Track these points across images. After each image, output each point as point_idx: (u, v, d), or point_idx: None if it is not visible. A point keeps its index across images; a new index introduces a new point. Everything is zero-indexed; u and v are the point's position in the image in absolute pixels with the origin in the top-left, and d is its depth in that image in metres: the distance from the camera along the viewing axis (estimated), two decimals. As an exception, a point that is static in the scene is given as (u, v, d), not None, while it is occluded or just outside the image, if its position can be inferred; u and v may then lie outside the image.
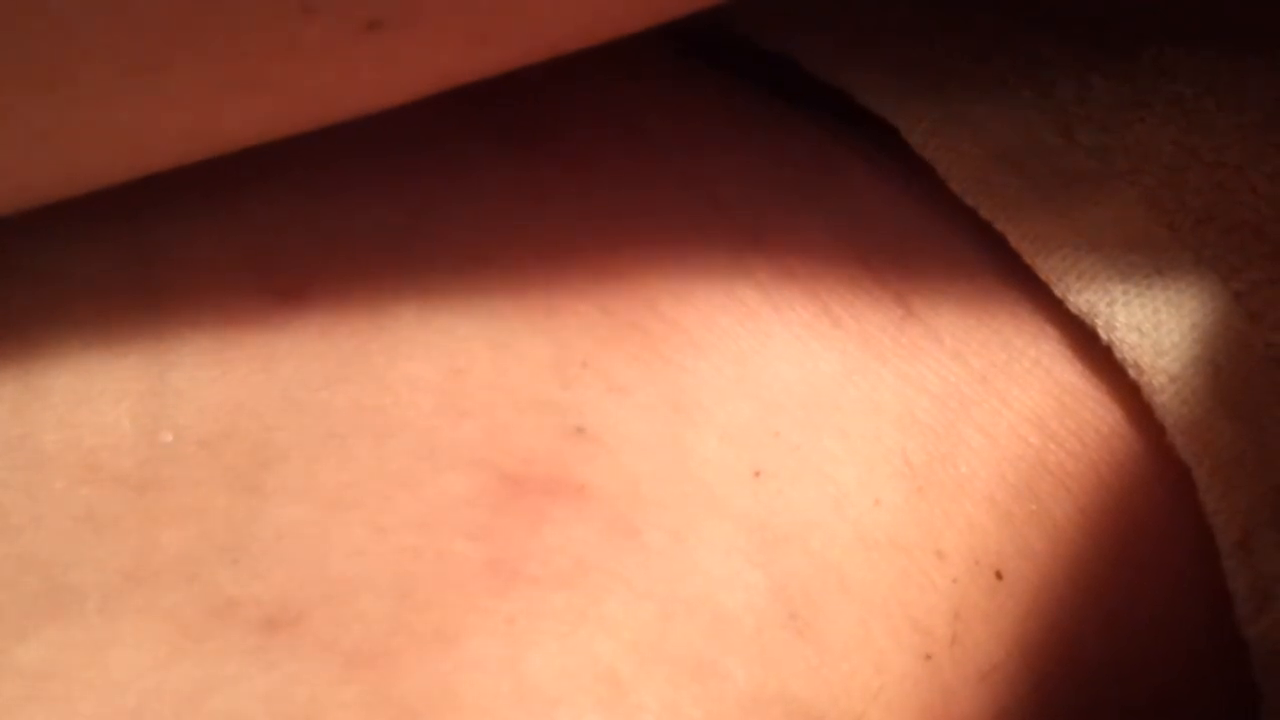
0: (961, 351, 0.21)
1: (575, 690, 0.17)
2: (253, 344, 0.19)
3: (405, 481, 0.18)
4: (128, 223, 0.19)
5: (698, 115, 0.23)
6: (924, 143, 0.22)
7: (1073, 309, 0.21)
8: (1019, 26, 0.24)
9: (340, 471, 0.18)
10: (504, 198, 0.21)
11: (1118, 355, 0.21)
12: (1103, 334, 0.21)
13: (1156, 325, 0.21)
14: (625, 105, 0.22)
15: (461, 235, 0.20)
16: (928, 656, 0.19)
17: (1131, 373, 0.21)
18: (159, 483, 0.18)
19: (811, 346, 0.21)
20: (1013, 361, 0.21)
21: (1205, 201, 0.22)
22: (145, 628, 0.16)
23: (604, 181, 0.21)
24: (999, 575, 0.20)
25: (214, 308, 0.19)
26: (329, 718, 0.16)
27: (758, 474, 0.19)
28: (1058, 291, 0.21)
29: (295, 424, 0.18)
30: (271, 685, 0.16)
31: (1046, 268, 0.21)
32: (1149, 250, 0.21)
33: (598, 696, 0.17)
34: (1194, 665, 0.22)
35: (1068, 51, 0.23)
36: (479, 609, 0.17)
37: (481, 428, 0.19)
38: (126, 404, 0.18)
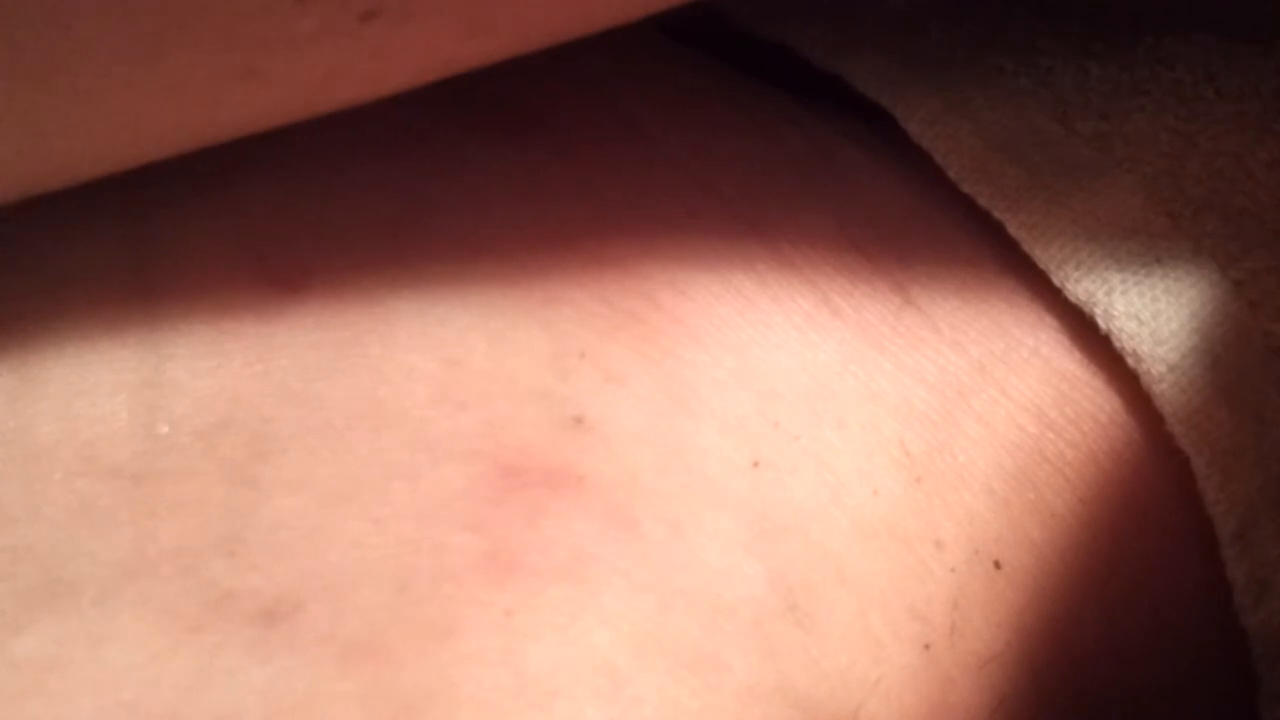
0: (960, 340, 0.21)
1: (574, 682, 0.17)
2: (249, 335, 0.19)
3: (403, 473, 0.18)
4: (123, 213, 0.19)
5: (695, 105, 0.23)
6: (922, 131, 0.22)
7: (1071, 297, 0.21)
8: (1016, 15, 0.24)
9: (337, 463, 0.18)
10: (500, 188, 0.20)
11: (1116, 344, 0.21)
12: (1101, 323, 0.21)
13: (1155, 314, 0.21)
14: (622, 96, 0.22)
15: (458, 225, 0.20)
16: (926, 646, 0.20)
17: (1130, 361, 0.21)
18: (156, 474, 0.18)
19: (810, 336, 0.20)
20: (1011, 350, 0.21)
21: (1204, 190, 0.22)
22: (142, 620, 0.16)
23: (601, 172, 0.21)
24: (997, 564, 0.20)
25: (210, 298, 0.19)
26: (326, 710, 0.16)
27: (756, 464, 0.19)
28: (1056, 280, 0.21)
29: (292, 415, 0.18)
30: (268, 677, 0.16)
31: (1045, 256, 0.21)
32: (1148, 239, 0.21)
33: (596, 688, 0.17)
34: (1193, 654, 0.22)
35: (1066, 40, 0.23)
36: (477, 601, 0.17)
37: (479, 419, 0.18)
38: (123, 395, 0.18)
